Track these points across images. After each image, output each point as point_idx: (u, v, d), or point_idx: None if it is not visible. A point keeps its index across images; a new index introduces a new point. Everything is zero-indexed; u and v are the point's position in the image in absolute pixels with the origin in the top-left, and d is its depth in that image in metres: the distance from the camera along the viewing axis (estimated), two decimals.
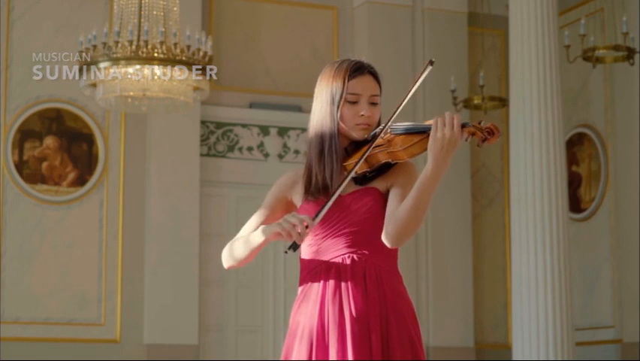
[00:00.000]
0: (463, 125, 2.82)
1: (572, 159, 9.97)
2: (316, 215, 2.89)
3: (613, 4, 9.37)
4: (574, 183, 9.92)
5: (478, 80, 9.48)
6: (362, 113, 2.98)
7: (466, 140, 2.84)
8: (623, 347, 9.40)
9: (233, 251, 3.05)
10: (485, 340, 10.05)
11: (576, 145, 10.03)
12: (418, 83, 2.91)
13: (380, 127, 2.96)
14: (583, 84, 9.97)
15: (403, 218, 2.85)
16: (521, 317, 7.96)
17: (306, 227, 2.84)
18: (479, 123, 2.85)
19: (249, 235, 3.00)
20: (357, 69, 3.01)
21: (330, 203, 2.89)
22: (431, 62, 2.89)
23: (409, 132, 2.91)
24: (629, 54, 8.43)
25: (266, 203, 3.09)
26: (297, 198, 3.06)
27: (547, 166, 8.04)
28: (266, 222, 3.05)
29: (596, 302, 9.70)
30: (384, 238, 2.89)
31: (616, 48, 8.46)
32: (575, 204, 9.88)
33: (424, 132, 2.87)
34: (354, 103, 2.99)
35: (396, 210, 2.89)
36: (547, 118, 8.09)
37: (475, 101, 9.29)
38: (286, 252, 2.87)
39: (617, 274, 9.53)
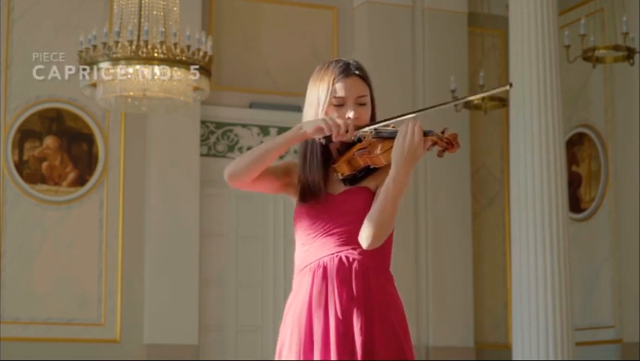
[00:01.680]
0: (426, 134, 2.85)
1: (572, 159, 9.97)
2: (361, 127, 2.95)
3: (613, 4, 9.37)
4: (574, 183, 9.92)
5: (478, 80, 9.48)
6: (348, 115, 2.99)
7: (428, 149, 2.87)
8: (623, 347, 9.40)
9: (254, 151, 2.97)
10: (485, 340, 10.05)
11: (576, 145, 10.03)
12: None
13: (363, 130, 2.98)
14: (583, 84, 9.97)
15: (371, 224, 2.88)
16: (521, 316, 7.96)
17: (347, 130, 2.91)
18: (442, 132, 2.88)
19: (276, 136, 2.98)
20: (342, 71, 3.02)
21: (369, 127, 2.95)
22: (511, 85, 2.95)
23: (387, 137, 2.94)
24: (629, 54, 8.42)
25: (280, 162, 3.11)
26: (296, 181, 3.07)
27: (547, 166, 8.04)
28: (274, 168, 3.05)
29: (596, 302, 9.70)
30: (359, 240, 2.92)
31: (616, 48, 8.45)
32: (575, 204, 9.88)
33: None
34: (340, 106, 3.01)
35: None
36: (547, 118, 8.09)
37: (475, 101, 9.29)
38: (321, 141, 2.96)
39: (617, 274, 9.53)
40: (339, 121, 2.92)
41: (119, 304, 8.98)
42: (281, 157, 3.12)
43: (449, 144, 2.85)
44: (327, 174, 3.03)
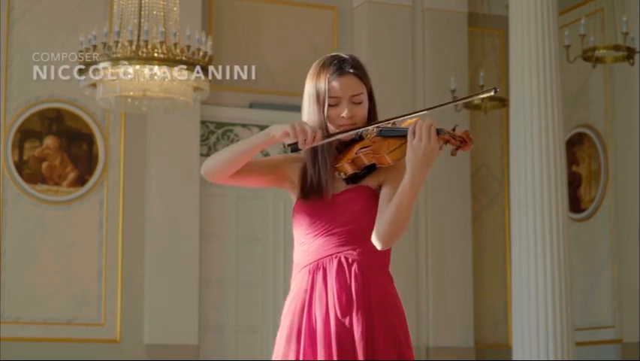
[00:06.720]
0: (438, 132, 2.80)
1: (572, 159, 9.97)
2: (328, 137, 2.90)
3: (613, 4, 9.37)
4: (574, 183, 9.92)
5: (478, 80, 9.48)
6: (342, 115, 2.97)
7: (440, 148, 2.81)
8: (623, 347, 9.41)
9: (226, 151, 3.02)
10: (485, 340, 10.04)
11: (576, 145, 10.03)
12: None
13: (365, 127, 2.94)
14: (583, 84, 9.97)
15: (385, 225, 2.86)
16: (521, 317, 7.96)
17: (314, 138, 2.86)
18: (453, 129, 2.83)
19: (250, 137, 2.99)
20: (336, 70, 2.99)
21: (334, 137, 2.92)
22: (495, 90, 2.89)
23: (393, 135, 2.90)
24: (629, 54, 8.42)
25: (266, 158, 3.11)
26: (294, 174, 3.05)
27: (547, 166, 8.04)
28: (259, 164, 3.07)
29: (596, 302, 9.70)
30: (373, 241, 2.91)
31: (616, 48, 8.46)
32: (575, 204, 9.88)
33: (406, 136, 2.84)
34: (335, 105, 2.98)
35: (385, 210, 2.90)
36: (547, 118, 8.09)
37: (475, 101, 9.29)
38: (284, 147, 2.90)
39: (617, 274, 9.53)
40: (307, 127, 2.88)
41: (119, 304, 8.98)
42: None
43: (463, 142, 2.80)
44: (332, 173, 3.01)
